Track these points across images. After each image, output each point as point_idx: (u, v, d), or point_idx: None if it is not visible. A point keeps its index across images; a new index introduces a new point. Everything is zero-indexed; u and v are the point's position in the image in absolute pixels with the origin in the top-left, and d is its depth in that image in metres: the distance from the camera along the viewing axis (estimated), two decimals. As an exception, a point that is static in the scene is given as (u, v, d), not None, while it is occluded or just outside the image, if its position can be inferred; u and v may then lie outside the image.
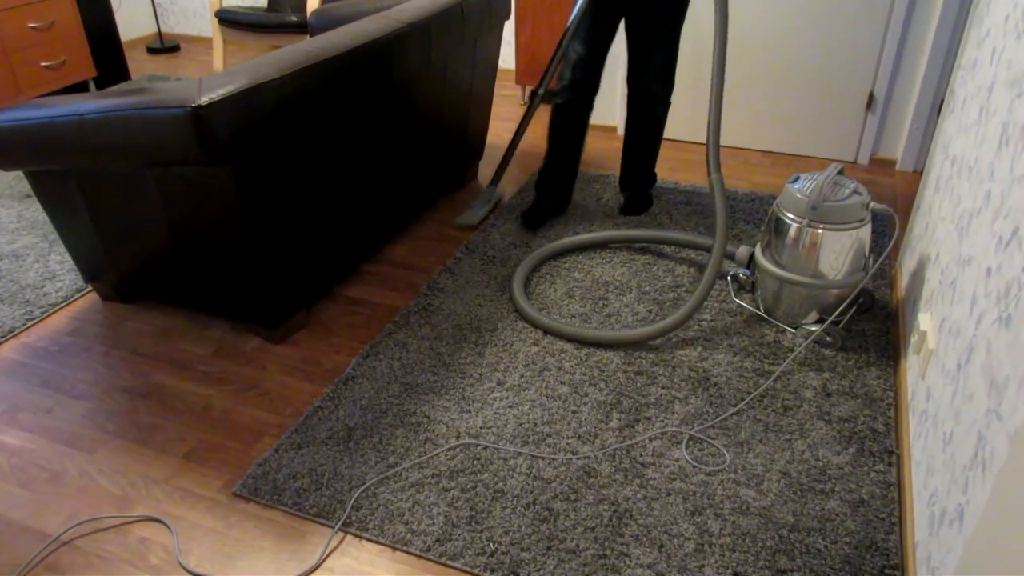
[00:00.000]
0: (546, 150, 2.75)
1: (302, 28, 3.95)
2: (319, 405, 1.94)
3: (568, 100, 2.60)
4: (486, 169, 3.27)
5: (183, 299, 2.27)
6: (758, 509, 1.63)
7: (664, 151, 3.44)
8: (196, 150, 1.78)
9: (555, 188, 2.78)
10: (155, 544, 1.59)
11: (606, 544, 1.55)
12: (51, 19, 3.82)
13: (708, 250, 2.46)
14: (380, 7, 2.55)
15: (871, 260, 2.17)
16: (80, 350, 2.20)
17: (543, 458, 1.76)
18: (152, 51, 5.11)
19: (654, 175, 2.87)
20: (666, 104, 2.67)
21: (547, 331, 2.17)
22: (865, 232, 2.06)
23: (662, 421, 1.87)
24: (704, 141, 3.50)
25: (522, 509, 1.63)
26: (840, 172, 2.07)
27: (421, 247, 2.68)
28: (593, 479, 1.71)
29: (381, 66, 2.22)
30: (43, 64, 3.82)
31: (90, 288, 2.48)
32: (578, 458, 1.76)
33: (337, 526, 1.61)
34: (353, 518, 1.63)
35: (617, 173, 3.20)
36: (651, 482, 1.70)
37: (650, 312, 2.28)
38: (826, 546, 1.54)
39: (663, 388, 1.97)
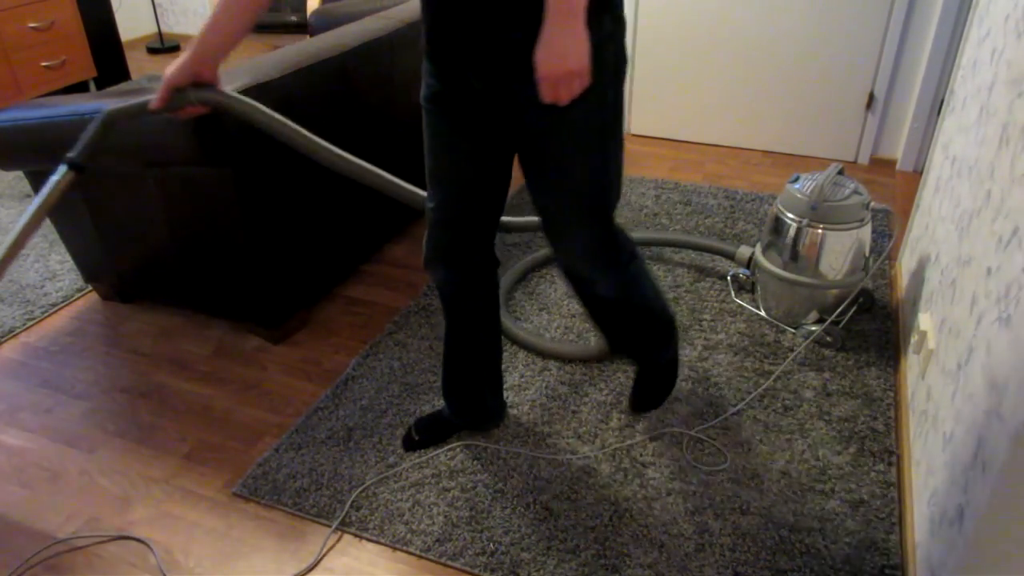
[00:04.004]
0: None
1: (302, 28, 3.95)
2: (319, 405, 1.94)
3: (441, 283, 1.59)
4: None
5: (183, 299, 2.27)
6: (758, 509, 1.63)
7: (664, 151, 3.43)
8: (196, 150, 1.78)
9: (460, 397, 1.78)
10: (155, 544, 1.59)
11: (606, 544, 1.55)
12: (51, 19, 3.82)
13: (709, 251, 2.46)
14: (380, 7, 2.55)
15: (871, 260, 2.17)
16: (80, 350, 2.20)
17: (543, 458, 1.76)
18: (152, 51, 5.11)
19: (661, 338, 1.76)
20: (620, 279, 1.58)
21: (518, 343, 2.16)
22: (865, 232, 2.06)
23: (662, 421, 1.86)
24: (704, 141, 3.50)
25: (522, 509, 1.63)
26: (840, 172, 2.07)
27: (421, 247, 2.69)
28: (593, 479, 1.71)
29: (381, 66, 2.22)
30: (43, 64, 3.83)
31: (90, 288, 2.48)
32: (578, 458, 1.76)
33: (335, 525, 1.61)
34: (353, 518, 1.63)
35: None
36: (651, 482, 1.70)
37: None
38: (826, 546, 1.54)
39: (663, 388, 1.97)
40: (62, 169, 1.46)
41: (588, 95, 1.24)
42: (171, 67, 1.41)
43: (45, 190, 1.45)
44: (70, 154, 1.46)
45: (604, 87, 1.30)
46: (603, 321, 1.71)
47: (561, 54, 1.17)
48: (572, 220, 1.44)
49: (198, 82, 1.44)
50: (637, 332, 1.72)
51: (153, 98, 1.44)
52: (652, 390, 1.87)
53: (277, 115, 1.52)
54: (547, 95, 1.20)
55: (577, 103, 1.24)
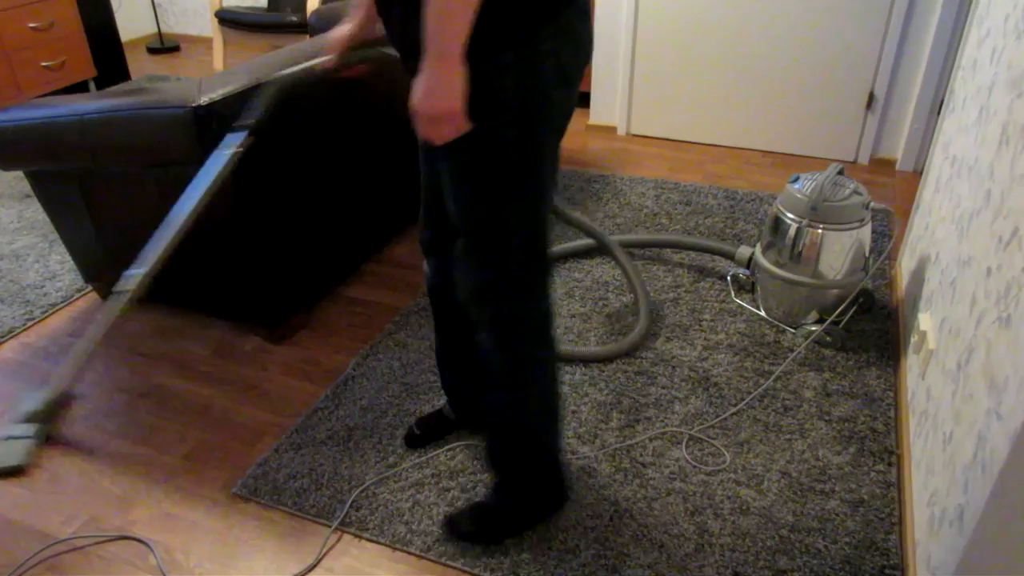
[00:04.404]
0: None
1: (302, 28, 3.95)
2: (319, 405, 1.94)
3: (428, 277, 1.59)
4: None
5: (183, 299, 2.27)
6: (758, 509, 1.63)
7: (664, 151, 3.43)
8: (196, 150, 1.78)
9: (453, 394, 1.78)
10: (155, 544, 1.59)
11: (606, 544, 1.55)
12: (51, 19, 3.82)
13: (709, 251, 2.46)
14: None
15: (871, 260, 2.17)
16: (80, 350, 2.20)
17: (543, 458, 1.76)
18: (152, 51, 5.11)
19: (523, 477, 1.56)
20: (509, 358, 1.40)
21: None
22: (865, 232, 2.06)
23: (662, 421, 1.86)
24: (704, 141, 3.50)
25: (522, 509, 1.63)
26: (840, 172, 2.07)
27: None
28: (593, 479, 1.71)
29: (381, 66, 2.22)
30: (43, 64, 3.82)
31: (90, 288, 2.48)
32: (578, 458, 1.76)
33: (335, 525, 1.61)
34: (353, 518, 1.63)
35: (618, 173, 3.20)
36: (651, 482, 1.70)
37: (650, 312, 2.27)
38: (826, 546, 1.54)
39: (663, 388, 1.97)
40: (240, 136, 1.57)
41: (478, 135, 1.17)
42: (344, 27, 1.44)
43: (223, 157, 1.56)
44: (246, 120, 1.57)
45: (501, 127, 1.18)
46: (483, 387, 1.49)
47: (428, 94, 1.11)
48: (464, 252, 1.33)
49: (366, 41, 1.46)
50: (503, 438, 1.49)
51: (325, 59, 1.47)
52: (475, 519, 1.58)
53: None
54: (419, 132, 1.16)
55: (465, 141, 1.17)
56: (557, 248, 2.52)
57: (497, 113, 1.17)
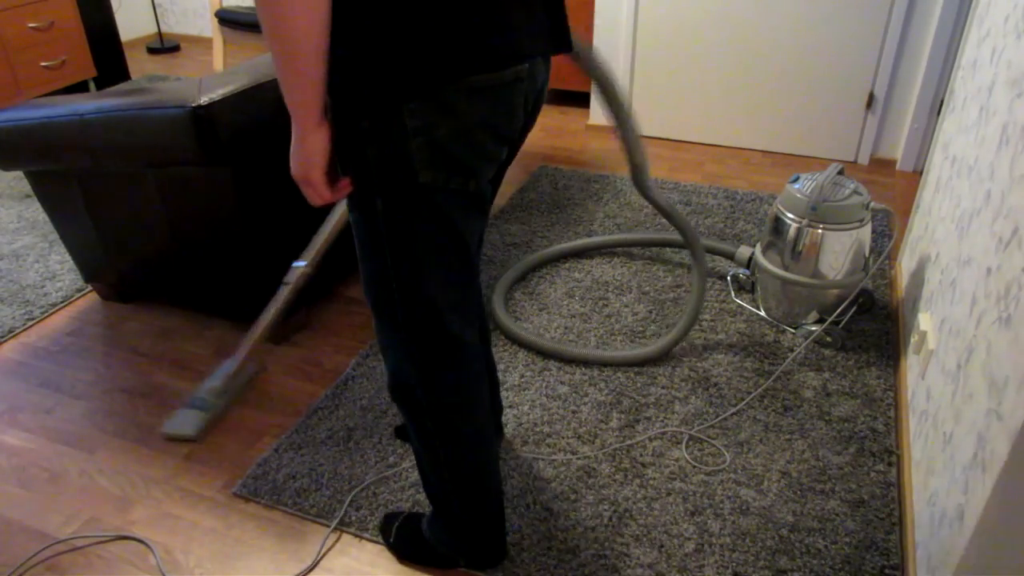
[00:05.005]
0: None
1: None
2: (319, 405, 1.94)
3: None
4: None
5: (183, 299, 2.27)
6: (758, 509, 1.63)
7: (664, 151, 3.44)
8: (196, 150, 1.78)
9: None
10: (155, 544, 1.59)
11: (606, 544, 1.55)
12: (51, 19, 3.82)
13: (709, 251, 2.46)
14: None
15: (871, 260, 2.17)
16: (80, 350, 2.20)
17: (543, 458, 1.76)
18: (152, 51, 5.11)
19: (439, 511, 1.47)
20: (406, 408, 1.34)
21: (525, 346, 2.16)
22: (865, 232, 2.06)
23: (662, 421, 1.86)
24: (703, 141, 3.50)
25: (522, 509, 1.63)
26: (840, 172, 2.07)
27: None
28: (593, 479, 1.71)
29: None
30: (43, 64, 3.82)
31: (90, 288, 2.48)
32: (578, 458, 1.76)
33: (333, 524, 1.61)
34: (353, 518, 1.62)
35: (618, 173, 3.20)
36: (651, 482, 1.70)
37: (650, 312, 2.27)
38: (826, 546, 1.54)
39: (663, 388, 1.97)
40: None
41: (356, 198, 1.14)
42: None
43: None
44: None
45: (368, 194, 1.12)
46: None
47: (291, 156, 1.08)
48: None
49: None
50: (425, 483, 1.45)
51: None
52: (400, 530, 1.55)
53: None
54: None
55: (350, 200, 1.15)
56: (557, 248, 2.52)
57: (362, 181, 1.12)
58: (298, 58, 0.96)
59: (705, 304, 2.30)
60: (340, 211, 1.77)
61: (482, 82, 1.05)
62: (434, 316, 1.22)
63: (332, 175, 1.12)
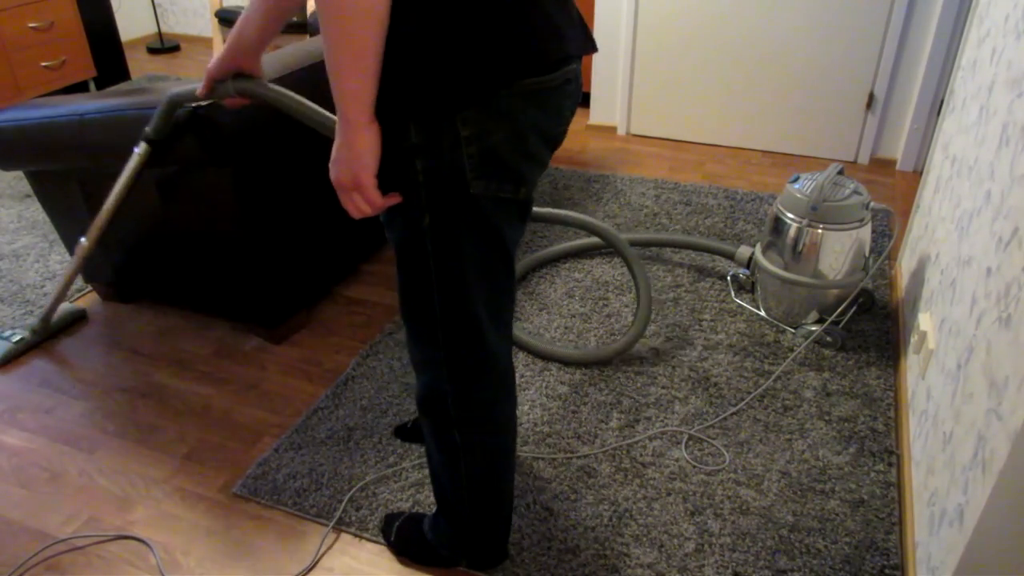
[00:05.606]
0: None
1: (302, 28, 3.95)
2: (319, 405, 1.94)
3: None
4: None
5: (183, 299, 2.27)
6: (758, 509, 1.63)
7: (664, 151, 3.44)
8: (196, 150, 1.78)
9: None
10: (155, 544, 1.59)
11: (606, 544, 1.55)
12: (51, 19, 3.82)
13: (709, 251, 2.46)
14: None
15: (871, 260, 2.17)
16: (80, 350, 2.20)
17: (543, 458, 1.76)
18: (152, 51, 5.11)
19: (445, 517, 1.47)
20: (432, 427, 1.33)
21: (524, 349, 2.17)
22: (865, 232, 2.06)
23: (662, 421, 1.86)
24: (703, 141, 3.50)
25: (522, 509, 1.63)
26: (840, 172, 2.07)
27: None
28: (593, 479, 1.71)
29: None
30: (43, 64, 3.83)
31: (90, 288, 2.48)
32: (578, 458, 1.76)
33: (332, 524, 1.61)
34: (353, 517, 1.62)
35: (618, 172, 3.20)
36: (651, 482, 1.70)
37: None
38: (826, 546, 1.54)
39: (663, 388, 1.97)
40: (142, 146, 1.80)
41: (398, 214, 1.09)
42: (213, 59, 1.38)
43: (130, 165, 1.84)
44: (147, 129, 1.77)
45: (412, 209, 1.08)
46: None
47: (334, 161, 1.02)
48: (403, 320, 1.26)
49: (240, 73, 1.41)
50: (435, 486, 1.44)
51: (200, 87, 1.43)
52: (401, 530, 1.56)
53: (316, 107, 1.49)
54: (340, 201, 1.08)
55: (392, 217, 1.11)
56: (556, 248, 2.52)
57: (408, 194, 1.07)
58: (355, 38, 0.91)
59: (705, 304, 2.30)
60: (121, 184, 1.88)
61: (535, 85, 1.04)
62: (476, 334, 1.20)
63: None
